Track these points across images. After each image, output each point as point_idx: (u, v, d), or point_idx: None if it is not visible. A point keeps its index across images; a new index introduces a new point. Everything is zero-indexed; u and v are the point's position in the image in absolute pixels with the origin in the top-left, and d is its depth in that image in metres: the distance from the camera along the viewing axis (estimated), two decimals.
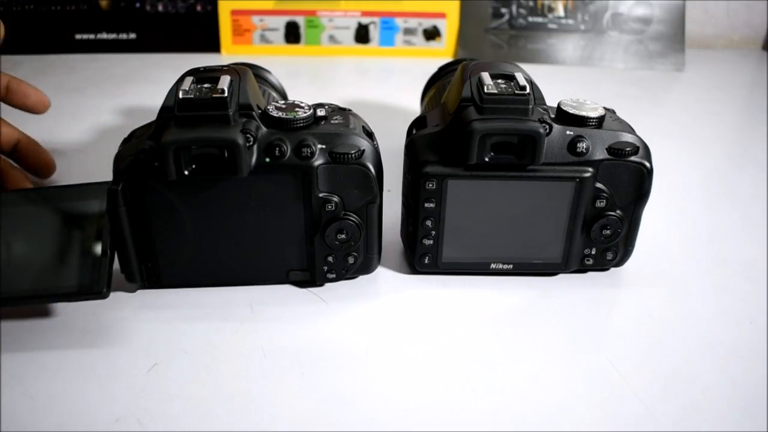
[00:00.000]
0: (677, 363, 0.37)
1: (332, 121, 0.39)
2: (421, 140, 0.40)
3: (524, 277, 0.43)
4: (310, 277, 0.41)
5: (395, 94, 0.73)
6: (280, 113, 0.37)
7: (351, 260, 0.41)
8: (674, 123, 0.71)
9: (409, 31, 0.88)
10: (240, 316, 0.40)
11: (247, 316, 0.40)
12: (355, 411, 0.34)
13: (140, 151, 0.37)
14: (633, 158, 0.39)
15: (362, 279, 0.43)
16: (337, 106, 0.41)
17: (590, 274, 0.44)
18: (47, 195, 0.40)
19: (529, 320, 0.40)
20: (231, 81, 0.37)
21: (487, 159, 0.38)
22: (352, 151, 0.38)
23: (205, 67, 0.39)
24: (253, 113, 0.37)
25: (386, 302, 0.41)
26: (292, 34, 0.88)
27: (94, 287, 0.36)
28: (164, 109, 0.36)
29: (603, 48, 0.87)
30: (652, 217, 0.43)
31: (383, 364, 0.37)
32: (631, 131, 0.40)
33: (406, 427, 0.33)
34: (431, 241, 0.41)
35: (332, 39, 0.88)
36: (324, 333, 0.39)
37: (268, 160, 0.37)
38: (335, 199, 0.38)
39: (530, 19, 0.88)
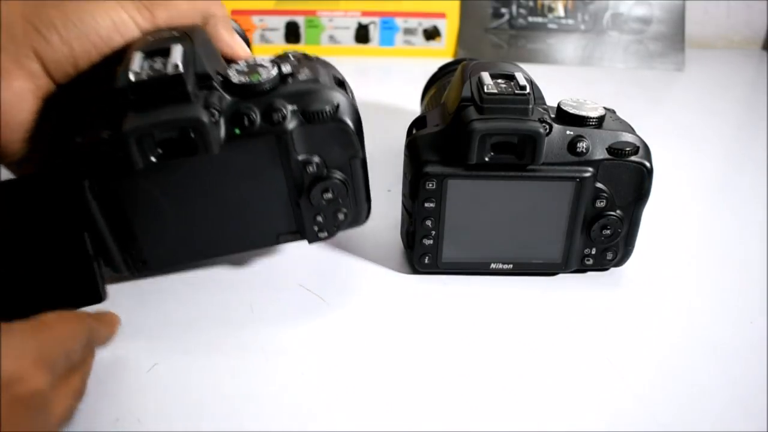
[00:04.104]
0: (677, 363, 0.37)
1: (300, 77, 0.36)
2: (421, 140, 0.40)
3: (524, 277, 0.43)
4: (300, 238, 0.40)
5: (395, 94, 0.73)
6: (242, 78, 0.34)
7: (341, 216, 0.39)
8: (674, 123, 0.71)
9: (409, 31, 0.88)
10: (240, 316, 0.40)
11: (247, 316, 0.40)
12: (355, 411, 0.34)
13: (100, 142, 0.33)
14: (633, 158, 0.39)
15: (362, 279, 0.43)
16: (302, 55, 0.39)
17: (590, 274, 0.44)
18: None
19: (529, 320, 0.40)
20: (184, 52, 0.33)
21: (487, 159, 0.38)
22: (326, 108, 0.35)
23: (152, 36, 0.35)
24: (214, 83, 0.34)
25: (386, 302, 0.41)
26: (292, 34, 0.88)
27: (94, 296, 0.36)
28: (116, 92, 0.32)
29: (603, 48, 0.87)
30: (652, 217, 0.43)
31: (383, 364, 0.37)
32: (631, 131, 0.40)
33: (406, 427, 0.33)
34: (431, 241, 0.41)
35: (332, 39, 0.88)
36: (324, 333, 0.39)
37: (238, 131, 0.34)
38: (315, 159, 0.36)
39: (530, 19, 0.88)
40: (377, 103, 0.71)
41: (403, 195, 0.42)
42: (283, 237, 0.40)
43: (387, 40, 0.89)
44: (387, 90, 0.76)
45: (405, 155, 0.41)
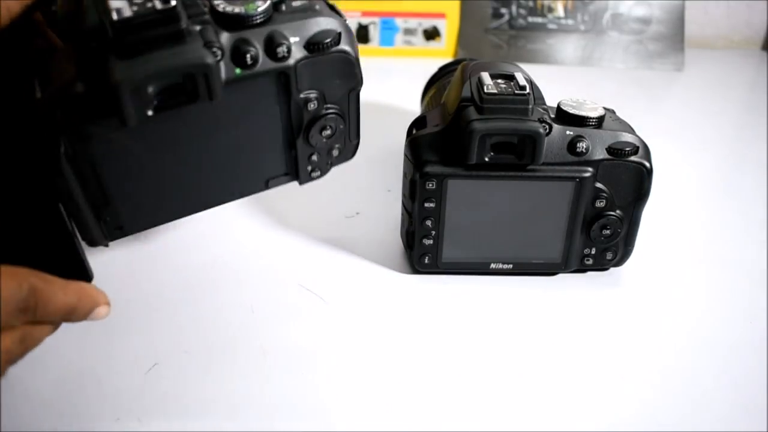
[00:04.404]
0: (677, 363, 0.37)
1: (293, 4, 0.32)
2: (421, 140, 0.40)
3: (524, 277, 0.43)
4: (291, 180, 0.37)
5: (395, 94, 0.73)
6: (233, 8, 0.30)
7: (335, 152, 0.37)
8: (674, 123, 0.71)
9: (409, 31, 0.88)
10: (240, 316, 0.40)
11: (247, 316, 0.40)
12: (356, 410, 0.34)
13: (74, 97, 0.28)
14: (633, 158, 0.39)
15: (362, 279, 0.43)
16: None
17: (590, 274, 0.44)
18: None
19: (529, 320, 0.40)
20: None
21: (487, 159, 0.38)
22: (328, 38, 0.32)
23: None
24: (206, 16, 0.29)
25: (386, 302, 0.41)
26: None
27: (81, 276, 0.31)
28: (87, 34, 0.27)
29: (603, 48, 0.87)
30: (652, 217, 0.43)
31: (383, 364, 0.37)
32: (631, 131, 0.40)
33: (406, 427, 0.33)
34: (431, 241, 0.41)
35: None
36: (324, 333, 0.39)
37: (239, 71, 0.30)
38: (315, 95, 0.33)
39: (530, 19, 0.88)
40: (377, 103, 0.71)
41: (403, 195, 0.42)
42: (274, 181, 0.36)
43: (387, 40, 0.89)
44: (387, 90, 0.76)
45: (405, 155, 0.41)
